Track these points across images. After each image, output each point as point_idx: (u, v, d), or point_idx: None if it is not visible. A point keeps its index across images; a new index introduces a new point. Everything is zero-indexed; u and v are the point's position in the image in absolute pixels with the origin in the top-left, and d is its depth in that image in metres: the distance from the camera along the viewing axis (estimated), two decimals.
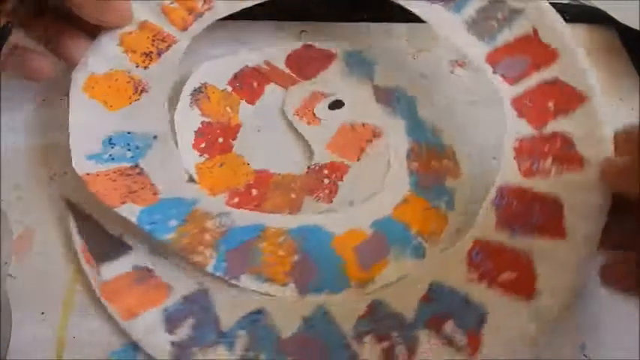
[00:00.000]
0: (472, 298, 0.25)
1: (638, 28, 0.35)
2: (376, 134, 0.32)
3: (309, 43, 0.35)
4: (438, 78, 0.35)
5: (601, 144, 0.26)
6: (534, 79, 0.29)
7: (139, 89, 0.30)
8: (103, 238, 0.28)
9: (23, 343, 0.26)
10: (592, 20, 0.36)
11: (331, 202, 0.29)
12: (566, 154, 0.27)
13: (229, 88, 0.33)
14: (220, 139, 0.31)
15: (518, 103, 0.29)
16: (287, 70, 0.34)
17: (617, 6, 0.36)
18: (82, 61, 0.30)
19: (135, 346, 0.25)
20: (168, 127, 0.29)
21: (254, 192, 0.30)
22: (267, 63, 0.34)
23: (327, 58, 0.35)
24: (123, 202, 0.27)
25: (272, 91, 0.34)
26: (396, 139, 0.32)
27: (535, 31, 0.30)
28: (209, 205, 0.28)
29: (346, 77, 0.34)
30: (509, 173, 0.27)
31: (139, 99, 0.30)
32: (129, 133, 0.29)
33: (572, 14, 0.35)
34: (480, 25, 0.31)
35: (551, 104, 0.28)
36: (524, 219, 0.26)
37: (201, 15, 0.32)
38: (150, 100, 0.30)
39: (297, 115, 0.33)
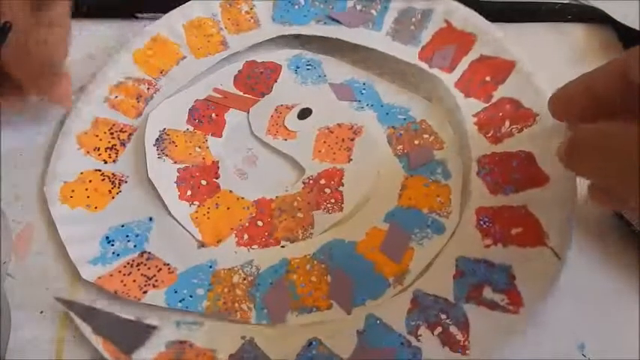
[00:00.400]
0: (495, 260, 0.27)
1: (636, 28, 0.35)
2: (356, 131, 0.31)
3: (251, 59, 0.35)
4: None
5: (541, 95, 0.30)
6: (465, 62, 0.33)
7: (117, 182, 0.30)
8: (120, 326, 0.26)
9: (22, 342, 0.26)
10: (590, 20, 0.36)
11: (342, 209, 0.29)
12: (518, 113, 0.30)
13: (190, 127, 0.32)
14: (203, 182, 0.30)
15: (461, 86, 0.32)
16: (239, 93, 0.34)
17: (615, 5, 0.36)
18: (48, 172, 0.30)
19: None
20: (161, 205, 0.29)
21: (260, 223, 0.29)
22: (217, 90, 0.33)
23: (274, 70, 0.34)
24: (145, 292, 0.27)
25: (234, 117, 0.33)
26: (372, 130, 0.32)
27: (448, 24, 0.34)
28: (227, 261, 0.28)
29: (300, 84, 0.34)
30: (479, 146, 0.30)
31: (120, 191, 0.30)
32: (122, 226, 0.29)
33: (571, 14, 0.36)
34: (401, 34, 0.35)
35: (488, 78, 0.32)
36: (509, 178, 0.29)
37: (150, 98, 0.33)
38: (132, 187, 0.30)
39: (270, 134, 0.32)
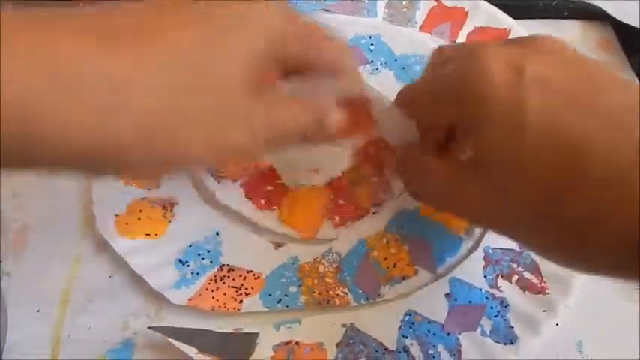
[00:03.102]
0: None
1: (632, 24, 0.35)
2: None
3: None
4: None
5: None
6: (462, 36, 0.36)
7: (168, 207, 0.29)
8: (222, 340, 0.27)
9: (19, 340, 0.26)
10: (587, 16, 0.37)
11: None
12: None
13: None
14: (269, 187, 0.30)
15: None
16: None
17: (612, 2, 0.36)
18: (95, 210, 0.28)
19: (130, 345, 0.26)
20: (223, 217, 0.29)
21: (341, 202, 0.29)
22: None
23: None
24: (241, 301, 0.27)
25: None
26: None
27: (438, 2, 0.37)
28: (307, 254, 0.29)
29: None
30: None
31: (174, 215, 0.29)
32: (190, 245, 0.28)
33: (568, 10, 0.37)
34: (396, 17, 0.36)
35: None
36: None
37: None
38: (186, 208, 0.29)
39: None
